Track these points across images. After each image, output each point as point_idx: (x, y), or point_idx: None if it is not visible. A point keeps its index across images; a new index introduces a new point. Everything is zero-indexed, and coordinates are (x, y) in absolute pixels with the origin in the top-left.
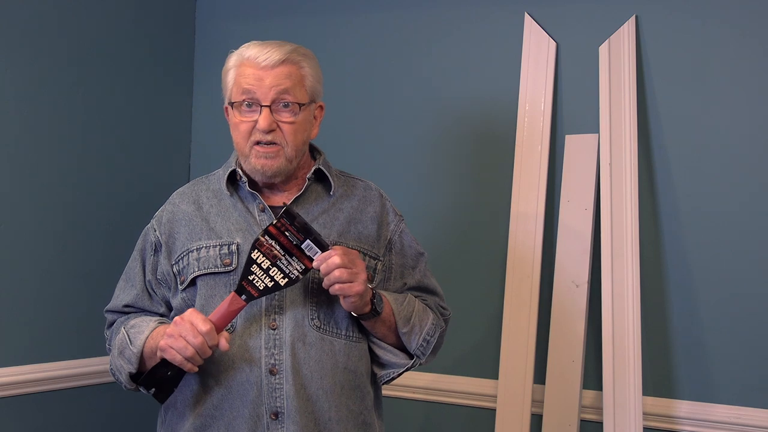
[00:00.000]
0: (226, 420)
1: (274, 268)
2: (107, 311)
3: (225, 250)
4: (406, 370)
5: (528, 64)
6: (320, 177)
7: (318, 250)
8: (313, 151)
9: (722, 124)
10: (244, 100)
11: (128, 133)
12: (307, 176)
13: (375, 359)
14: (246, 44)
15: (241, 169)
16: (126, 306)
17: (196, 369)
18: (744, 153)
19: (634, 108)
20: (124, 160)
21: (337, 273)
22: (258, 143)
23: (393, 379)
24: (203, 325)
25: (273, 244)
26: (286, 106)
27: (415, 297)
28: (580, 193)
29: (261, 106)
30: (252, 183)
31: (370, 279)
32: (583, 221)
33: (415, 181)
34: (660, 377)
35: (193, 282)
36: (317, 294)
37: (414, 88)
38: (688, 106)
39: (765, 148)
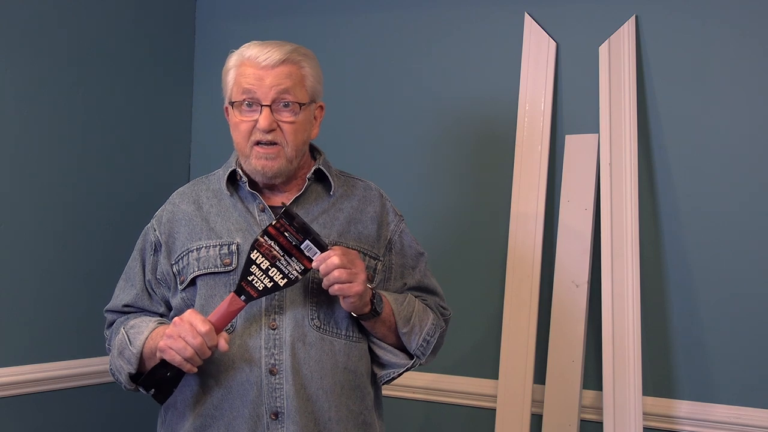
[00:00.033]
0: (226, 420)
1: (274, 269)
2: (107, 311)
3: (225, 250)
4: (407, 370)
5: (528, 64)
6: (320, 177)
7: (317, 251)
8: (314, 151)
9: (722, 124)
10: (244, 100)
11: (128, 133)
12: (307, 176)
13: (375, 359)
14: (246, 44)
15: (242, 169)
16: (126, 306)
17: (196, 370)
18: (744, 153)
19: (634, 108)
20: (124, 160)
21: (336, 273)
22: (258, 143)
23: (393, 379)
24: (202, 326)
25: (272, 244)
26: (286, 105)
27: (415, 297)
28: (580, 193)
29: (261, 105)
30: (252, 183)
31: (369, 279)
32: (583, 221)
33: (415, 181)
34: (660, 377)
35: (192, 282)
36: (317, 294)
37: (414, 88)
38: (688, 106)
39: (765, 148)
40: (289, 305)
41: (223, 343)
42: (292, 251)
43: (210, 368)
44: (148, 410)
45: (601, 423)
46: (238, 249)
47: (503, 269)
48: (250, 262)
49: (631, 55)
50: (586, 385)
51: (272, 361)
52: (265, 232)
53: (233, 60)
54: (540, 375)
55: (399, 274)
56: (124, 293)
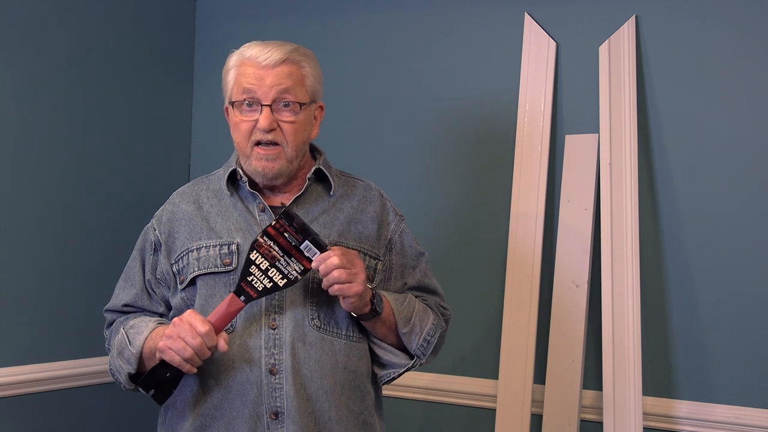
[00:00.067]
0: (226, 420)
1: (273, 269)
2: (106, 311)
3: (225, 249)
4: (407, 370)
5: (528, 64)
6: (320, 177)
7: (317, 251)
8: (314, 151)
9: (722, 124)
10: (244, 100)
11: (128, 133)
12: (308, 176)
13: (375, 359)
14: (247, 44)
15: (242, 169)
16: (125, 305)
17: (195, 370)
18: (744, 153)
19: (634, 108)
20: (124, 160)
21: (335, 273)
22: (259, 143)
23: (393, 379)
24: (202, 326)
25: (272, 245)
26: (286, 105)
27: (416, 297)
28: (580, 193)
29: (261, 105)
30: (252, 183)
31: (370, 279)
32: (583, 221)
33: (415, 181)
34: (660, 377)
35: (192, 282)
36: (317, 294)
37: (414, 88)
38: (688, 106)
39: (765, 148)
40: (289, 305)
41: (222, 343)
42: (292, 252)
43: (210, 368)
44: (148, 410)
45: (601, 423)
46: (238, 249)
47: (503, 269)
48: (249, 262)
49: (631, 55)
50: (586, 385)
51: (272, 361)
52: (265, 233)
53: (233, 60)
54: (540, 375)
55: (399, 274)
56: (123, 293)
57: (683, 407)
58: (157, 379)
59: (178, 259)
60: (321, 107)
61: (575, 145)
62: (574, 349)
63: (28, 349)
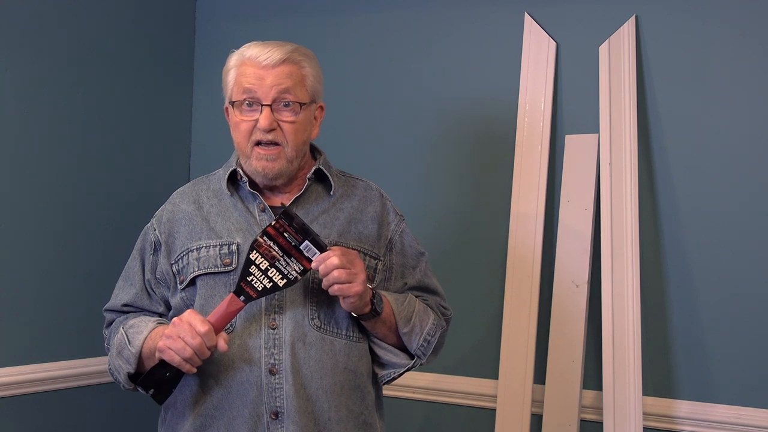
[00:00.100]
0: (226, 420)
1: (273, 269)
2: (106, 310)
3: (225, 249)
4: (407, 370)
5: (528, 64)
6: (320, 177)
7: (316, 251)
8: (314, 152)
9: (722, 124)
10: (244, 100)
11: (128, 133)
12: (308, 176)
13: (376, 359)
14: (247, 44)
15: (242, 169)
16: (125, 305)
17: (195, 370)
18: (744, 153)
19: (634, 108)
20: (124, 160)
21: (335, 274)
22: (259, 143)
23: (394, 379)
24: (201, 326)
25: (271, 245)
26: (286, 105)
27: (416, 297)
28: (580, 193)
29: (262, 105)
30: (252, 183)
31: (370, 279)
32: (583, 221)
33: (415, 181)
34: (660, 377)
35: (192, 282)
36: (317, 294)
37: (414, 88)
38: (688, 106)
39: (765, 148)
40: (289, 305)
41: (222, 343)
42: (292, 252)
43: (210, 368)
44: (148, 410)
45: (601, 423)
46: (238, 249)
47: (503, 269)
48: (249, 262)
49: (631, 55)
50: (586, 385)
51: (272, 361)
52: (265, 233)
53: (234, 60)
54: (540, 375)
55: (399, 273)
56: (123, 293)
57: (683, 407)
58: (156, 378)
59: (178, 259)
60: (321, 107)
61: (575, 145)
62: (574, 349)
63: (28, 349)
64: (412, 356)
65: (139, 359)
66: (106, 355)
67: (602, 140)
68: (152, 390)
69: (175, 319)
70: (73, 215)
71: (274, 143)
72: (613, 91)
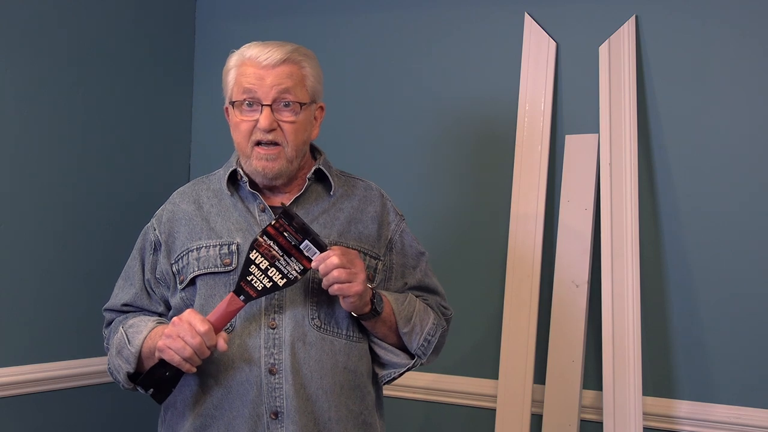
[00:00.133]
0: (226, 420)
1: (273, 269)
2: (105, 310)
3: (225, 249)
4: (407, 370)
5: (528, 64)
6: (321, 177)
7: (316, 251)
8: (314, 152)
9: (722, 124)
10: (245, 100)
11: (128, 133)
12: (308, 176)
13: (376, 359)
14: (247, 44)
15: (242, 169)
16: (124, 305)
17: (195, 369)
18: (744, 153)
19: (634, 108)
20: (124, 160)
21: (335, 273)
22: (259, 143)
23: (394, 379)
24: (201, 326)
25: (271, 244)
26: (287, 105)
27: (416, 297)
28: (580, 193)
29: (262, 105)
30: (253, 183)
31: (370, 279)
32: (583, 221)
33: (415, 181)
34: (660, 377)
35: (192, 281)
36: (317, 293)
37: (414, 88)
38: (688, 106)
39: (765, 148)
40: (289, 305)
41: (221, 342)
42: (292, 251)
43: (209, 368)
44: (148, 410)
45: (601, 423)
46: (238, 249)
47: (503, 269)
48: (249, 261)
49: (631, 55)
50: (586, 385)
51: (272, 361)
52: (264, 232)
53: (234, 60)
54: (540, 375)
55: (400, 273)
56: (123, 292)
57: (683, 407)
58: (156, 378)
59: (178, 259)
60: (321, 107)
61: (575, 145)
62: (574, 349)
63: (28, 349)
64: (412, 356)
65: (139, 359)
66: (105, 354)
67: (602, 140)
68: (152, 389)
69: (174, 318)
70: (73, 215)
71: (274, 143)
72: (613, 91)
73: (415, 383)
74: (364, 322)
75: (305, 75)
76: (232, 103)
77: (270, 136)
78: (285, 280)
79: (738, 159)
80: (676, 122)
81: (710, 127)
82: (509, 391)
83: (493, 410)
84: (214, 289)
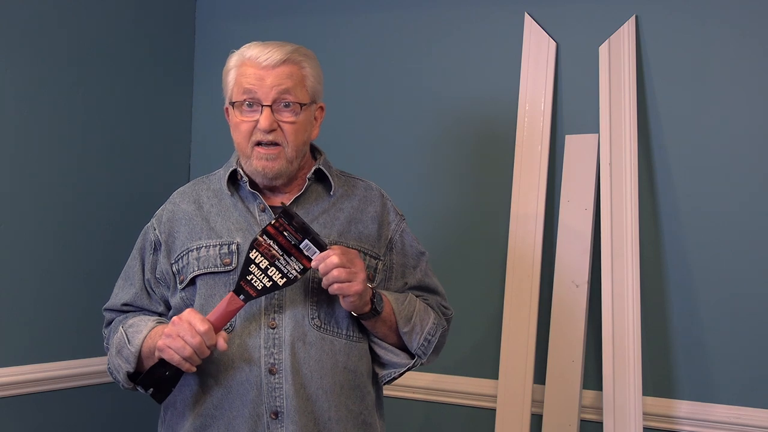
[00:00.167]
0: (226, 420)
1: (273, 268)
2: (105, 310)
3: (225, 249)
4: (408, 369)
5: (528, 64)
6: (321, 177)
7: (316, 250)
8: (314, 152)
9: (722, 124)
10: (245, 100)
11: (128, 133)
12: (308, 176)
13: (376, 359)
14: (247, 44)
15: (242, 169)
16: (124, 305)
17: (194, 369)
18: (744, 153)
19: (634, 108)
20: (124, 160)
21: (335, 272)
22: (259, 144)
23: (394, 379)
24: (201, 325)
25: (271, 244)
26: (287, 106)
27: (417, 296)
28: (580, 193)
29: (262, 105)
30: (253, 183)
31: (370, 279)
32: (583, 221)
33: (415, 181)
34: (660, 377)
35: (192, 281)
36: (317, 293)
37: (414, 88)
38: (688, 106)
39: (765, 148)
40: (289, 304)
41: (221, 342)
42: (292, 251)
43: (209, 368)
44: (148, 410)
45: (601, 423)
46: (238, 249)
47: (503, 269)
48: (249, 261)
49: (631, 55)
50: (586, 385)
51: (272, 361)
52: (264, 232)
53: (234, 60)
54: (540, 375)
55: (400, 273)
56: (123, 292)
57: (683, 407)
58: (156, 377)
59: (178, 259)
60: (321, 108)
61: (575, 145)
62: (574, 349)
63: (28, 349)
64: (412, 356)
65: (139, 358)
66: (105, 354)
67: (602, 140)
68: (152, 389)
69: (174, 318)
70: (73, 215)
71: (275, 144)
72: (613, 91)
73: (415, 383)
74: (365, 321)
75: (305, 75)
76: (232, 104)
77: (270, 137)
78: (285, 279)
79: (738, 159)
80: (676, 122)
81: (710, 127)
82: (509, 391)
83: (493, 410)
84: (214, 289)
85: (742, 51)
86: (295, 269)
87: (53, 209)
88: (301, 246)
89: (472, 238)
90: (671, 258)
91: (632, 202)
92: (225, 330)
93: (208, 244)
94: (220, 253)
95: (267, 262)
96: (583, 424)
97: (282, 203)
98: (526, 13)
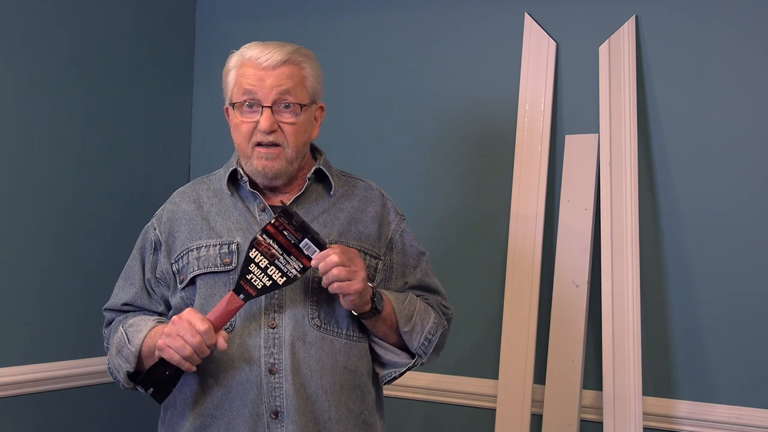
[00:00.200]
0: (226, 419)
1: (273, 267)
2: (106, 309)
3: (225, 249)
4: (408, 369)
5: (528, 64)
6: (321, 177)
7: (316, 249)
8: (314, 152)
9: (722, 124)
10: (245, 101)
11: (128, 133)
12: (308, 176)
13: (376, 359)
14: (247, 45)
15: (242, 169)
16: (125, 304)
17: (194, 368)
18: (744, 153)
19: (634, 108)
20: (124, 160)
21: (335, 271)
22: (259, 144)
23: (395, 378)
24: (201, 325)
25: (271, 243)
26: (287, 106)
27: (417, 296)
28: (580, 193)
29: (262, 106)
30: (253, 183)
31: (370, 278)
32: (583, 221)
33: (415, 181)
34: (660, 377)
35: (192, 281)
36: (317, 293)
37: (414, 88)
38: (688, 106)
39: (765, 148)
40: (289, 304)
41: (221, 341)
42: (291, 250)
43: (209, 367)
44: (148, 410)
45: (601, 423)
46: (238, 248)
47: (503, 269)
48: (248, 260)
49: (631, 55)
50: (586, 385)
51: (272, 360)
52: (264, 231)
53: (234, 61)
54: (540, 375)
55: (400, 273)
56: (123, 292)
57: (683, 407)
58: (156, 377)
59: (178, 259)
60: (321, 108)
61: (575, 145)
62: (574, 349)
63: (28, 349)
64: (413, 355)
65: (139, 358)
66: (105, 354)
67: (602, 140)
68: (152, 389)
69: (174, 317)
70: (73, 215)
71: (275, 144)
72: (613, 91)
73: (416, 383)
74: (365, 321)
75: (305, 76)
76: (233, 105)
77: (270, 138)
78: (285, 278)
79: (738, 159)
80: (676, 122)
81: (710, 127)
82: (509, 391)
83: (493, 410)
84: (214, 289)
85: (742, 51)
86: (295, 268)
87: (53, 209)
88: (300, 245)
89: (472, 238)
90: (671, 258)
91: (632, 202)
92: (225, 329)
93: (208, 244)
94: (220, 253)
95: (267, 261)
96: (583, 424)
97: (282, 202)
98: (526, 13)
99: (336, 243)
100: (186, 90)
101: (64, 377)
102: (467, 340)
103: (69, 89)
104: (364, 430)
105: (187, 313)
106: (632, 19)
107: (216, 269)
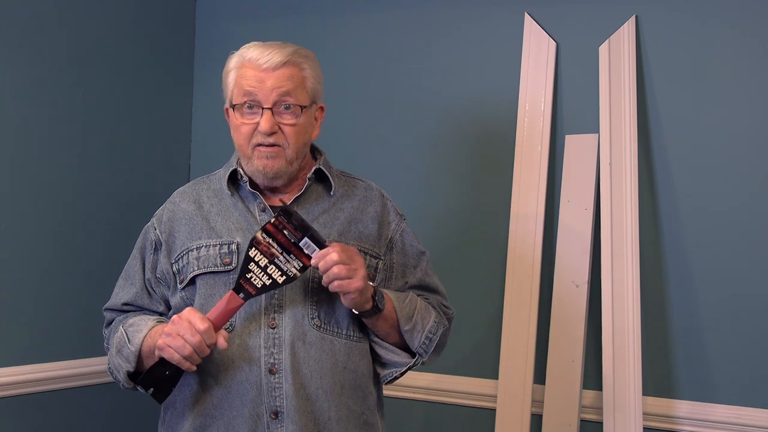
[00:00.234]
0: (226, 419)
1: (272, 266)
2: (106, 309)
3: (225, 249)
4: (409, 368)
5: (528, 64)
6: (321, 177)
7: (316, 248)
8: (314, 152)
9: (722, 124)
10: (245, 102)
11: (128, 133)
12: (308, 176)
13: (377, 359)
14: (247, 45)
15: (243, 169)
16: (125, 304)
17: (194, 368)
18: (744, 153)
19: (634, 108)
20: (124, 160)
21: (335, 270)
22: (260, 145)
23: (396, 378)
24: (201, 324)
25: (271, 242)
26: (287, 108)
27: (417, 296)
28: (580, 193)
29: (262, 108)
30: (253, 183)
31: (371, 277)
32: (583, 221)
33: (415, 181)
34: (660, 377)
35: (192, 281)
36: (317, 293)
37: (414, 88)
38: (688, 106)
39: (765, 148)
40: (289, 304)
41: (221, 341)
42: (291, 248)
43: (209, 367)
44: (148, 410)
45: (601, 423)
46: (238, 248)
47: (503, 269)
48: (248, 259)
49: (631, 55)
50: (586, 385)
51: (272, 360)
52: (264, 230)
53: (234, 62)
54: (540, 375)
55: (400, 273)
56: (123, 292)
57: (683, 407)
58: (156, 377)
59: (178, 259)
60: (321, 108)
61: (575, 145)
62: (574, 349)
63: (28, 349)
64: (413, 355)
65: (139, 358)
66: (105, 354)
67: (602, 140)
68: (152, 389)
69: (174, 316)
70: (73, 215)
71: (275, 144)
72: (613, 91)
73: (416, 383)
74: (366, 319)
75: (305, 77)
76: (233, 106)
77: (271, 139)
78: (284, 277)
79: (738, 159)
80: (676, 122)
81: (710, 127)
82: (509, 391)
83: (493, 410)
84: (214, 289)
85: (742, 51)
86: (294, 267)
87: (53, 209)
88: (300, 244)
89: (472, 238)
90: (671, 258)
91: (632, 202)
92: (225, 329)
93: (208, 244)
94: (220, 253)
95: (266, 261)
96: (583, 424)
97: (281, 201)
98: (526, 13)
99: (336, 242)
100: (186, 90)
101: (64, 377)
102: (467, 340)
103: (69, 89)
104: (365, 431)
105: (187, 312)
106: (632, 19)
107: (216, 269)
